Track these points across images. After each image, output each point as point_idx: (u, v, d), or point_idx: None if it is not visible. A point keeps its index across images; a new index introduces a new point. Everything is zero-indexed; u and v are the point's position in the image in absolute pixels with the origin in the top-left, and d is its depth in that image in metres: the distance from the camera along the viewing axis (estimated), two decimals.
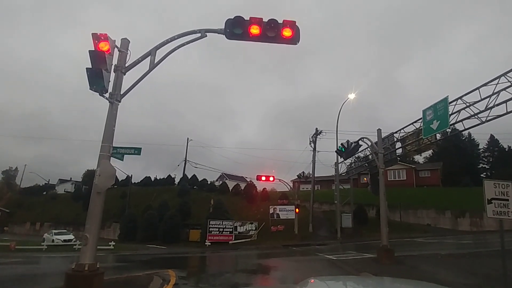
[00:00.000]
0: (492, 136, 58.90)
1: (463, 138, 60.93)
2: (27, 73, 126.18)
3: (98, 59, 5.89)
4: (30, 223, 51.50)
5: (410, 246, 19.92)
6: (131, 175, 48.05)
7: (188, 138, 54.25)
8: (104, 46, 6.07)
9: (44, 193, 63.29)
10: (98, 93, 6.03)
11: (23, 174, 68.50)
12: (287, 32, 6.85)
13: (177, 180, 53.49)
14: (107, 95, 6.26)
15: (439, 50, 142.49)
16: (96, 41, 6.09)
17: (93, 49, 6.01)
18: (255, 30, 6.79)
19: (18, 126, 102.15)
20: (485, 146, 61.50)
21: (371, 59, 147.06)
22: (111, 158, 7.01)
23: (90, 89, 5.94)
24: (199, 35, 6.99)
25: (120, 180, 57.21)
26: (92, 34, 6.05)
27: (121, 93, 6.45)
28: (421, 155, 37.25)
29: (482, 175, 59.88)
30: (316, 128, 34.31)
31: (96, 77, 5.82)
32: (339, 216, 29.73)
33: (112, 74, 6.44)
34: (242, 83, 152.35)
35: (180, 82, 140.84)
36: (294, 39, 6.92)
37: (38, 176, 64.12)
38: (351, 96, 29.19)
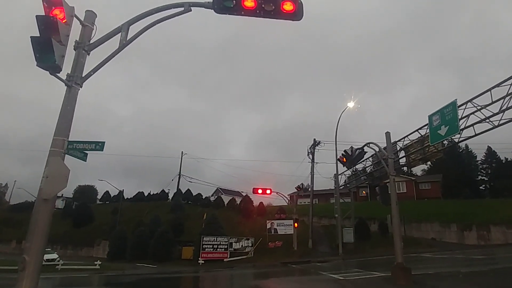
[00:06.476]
0: (489, 148, 58.12)
1: (460, 150, 60.18)
2: (34, 101, 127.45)
3: (47, 25, 4.56)
4: (16, 241, 49.00)
5: (421, 262, 18.39)
6: (123, 190, 46.35)
7: (182, 152, 52.85)
8: (58, 14, 4.85)
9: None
10: (49, 72, 4.73)
11: (13, 190, 66.22)
12: (288, 6, 5.72)
13: (171, 195, 51.89)
14: (64, 76, 4.96)
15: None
16: (47, 7, 4.84)
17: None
18: (249, 2, 5.65)
19: (21, 148, 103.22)
20: (483, 158, 60.80)
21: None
22: (77, 158, 5.70)
23: (37, 65, 4.65)
24: (182, 9, 5.83)
25: (112, 196, 55.80)
26: None
27: (83, 75, 5.18)
28: (427, 164, 36.26)
29: (481, 187, 59.08)
30: (314, 139, 33.15)
31: (45, 49, 4.48)
32: (341, 230, 28.15)
33: (73, 52, 5.18)
34: (236, 111, 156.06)
35: (173, 111, 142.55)
36: (296, 14, 5.79)
37: (27, 192, 61.86)
38: (350, 104, 28.26)
